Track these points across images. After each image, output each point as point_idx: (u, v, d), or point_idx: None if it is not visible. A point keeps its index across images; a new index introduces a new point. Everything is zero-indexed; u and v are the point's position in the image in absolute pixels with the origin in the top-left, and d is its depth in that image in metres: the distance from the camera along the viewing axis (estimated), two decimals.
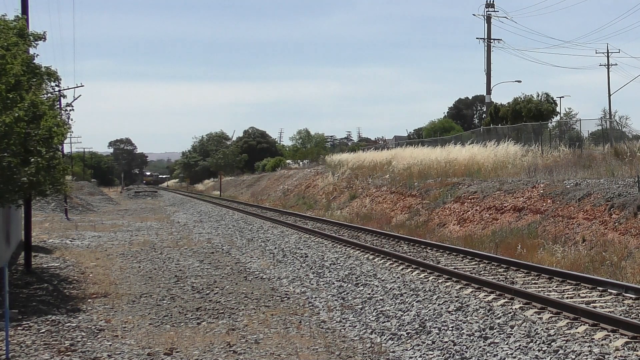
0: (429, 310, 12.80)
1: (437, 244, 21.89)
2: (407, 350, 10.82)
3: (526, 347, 10.14)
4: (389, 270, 17.70)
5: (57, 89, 18.10)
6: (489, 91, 53.32)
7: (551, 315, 12.02)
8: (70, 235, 28.58)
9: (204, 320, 12.79)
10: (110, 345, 11.03)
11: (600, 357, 9.44)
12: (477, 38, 54.43)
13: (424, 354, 10.51)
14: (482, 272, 17.00)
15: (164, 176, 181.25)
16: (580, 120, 38.56)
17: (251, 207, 49.11)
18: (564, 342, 10.14)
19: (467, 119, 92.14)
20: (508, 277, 16.26)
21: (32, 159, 14.33)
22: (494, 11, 54.65)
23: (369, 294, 14.74)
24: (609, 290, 14.00)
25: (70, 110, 20.27)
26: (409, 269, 17.64)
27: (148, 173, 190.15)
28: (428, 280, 15.92)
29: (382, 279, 16.22)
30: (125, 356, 10.40)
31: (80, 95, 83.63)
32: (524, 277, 16.10)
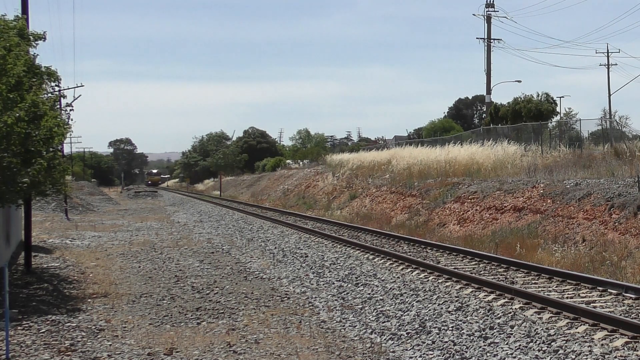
0: (429, 310, 12.81)
1: (437, 244, 21.89)
2: (407, 350, 10.83)
3: (526, 347, 10.14)
4: (389, 270, 17.71)
5: (57, 89, 18.11)
6: (489, 91, 53.32)
7: (551, 315, 12.03)
8: (70, 235, 28.58)
9: (204, 320, 12.79)
10: (110, 345, 11.03)
11: (600, 357, 9.45)
12: (477, 38, 54.47)
13: (424, 354, 10.52)
14: (482, 272, 17.00)
15: (165, 176, 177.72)
16: (580, 120, 38.60)
17: (251, 207, 49.12)
18: (564, 342, 10.15)
19: (467, 119, 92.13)
20: (508, 277, 16.26)
21: (35, 160, 14.32)
22: (494, 11, 54.66)
23: (369, 294, 14.74)
24: (609, 290, 14.00)
25: (70, 110, 20.29)
26: (409, 269, 17.65)
27: (155, 171, 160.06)
28: (428, 280, 15.92)
29: (382, 279, 16.23)
30: (125, 356, 10.40)
31: (80, 95, 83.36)
32: (524, 277, 16.11)
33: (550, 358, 9.64)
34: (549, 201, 22.48)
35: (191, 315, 13.15)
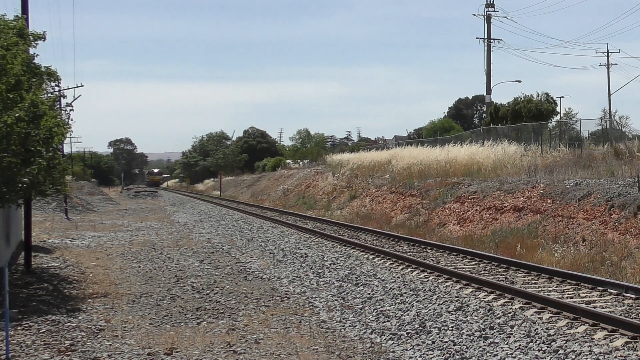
0: (429, 310, 12.81)
1: (437, 244, 21.89)
2: (407, 350, 10.82)
3: (526, 347, 10.14)
4: (389, 270, 17.71)
5: (57, 89, 18.11)
6: (489, 91, 53.30)
7: (551, 315, 12.03)
8: (70, 235, 28.58)
9: (204, 320, 12.79)
10: (110, 345, 11.03)
11: (600, 357, 9.45)
12: (477, 38, 54.46)
13: (424, 354, 10.52)
14: (482, 272, 17.00)
15: (166, 175, 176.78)
16: (580, 120, 38.61)
17: (251, 207, 49.12)
18: (564, 342, 10.15)
19: (467, 119, 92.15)
20: (508, 277, 16.26)
21: (35, 160, 14.31)
22: (494, 11, 54.60)
23: (369, 293, 14.74)
24: (609, 290, 14.00)
25: (70, 110, 20.29)
26: (409, 269, 17.65)
27: (156, 170, 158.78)
28: (428, 280, 15.92)
29: (382, 278, 16.23)
30: (125, 356, 10.40)
31: (80, 95, 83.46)
32: (524, 277, 16.11)
33: (550, 358, 9.63)
34: (549, 201, 22.48)
35: (191, 315, 13.15)
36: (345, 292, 15.13)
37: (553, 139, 37.23)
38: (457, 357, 10.18)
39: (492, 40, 53.54)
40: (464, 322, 11.72)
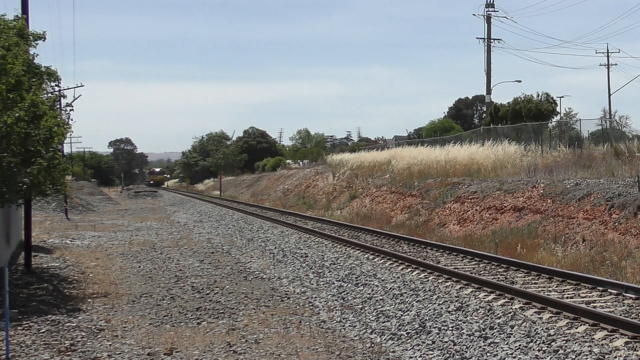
0: (429, 310, 12.81)
1: (437, 244, 21.89)
2: (407, 350, 10.83)
3: (526, 347, 10.14)
4: (389, 270, 17.71)
5: (57, 89, 18.11)
6: (489, 91, 53.29)
7: (551, 315, 12.03)
8: (70, 235, 28.58)
9: (204, 320, 12.80)
10: (110, 345, 11.03)
11: (600, 357, 9.45)
12: (477, 38, 54.47)
13: (424, 354, 10.52)
14: (482, 272, 17.00)
15: (166, 175, 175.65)
16: (580, 120, 38.64)
17: (251, 207, 49.12)
18: (564, 342, 10.15)
19: (467, 119, 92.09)
20: (508, 277, 16.26)
21: (35, 160, 14.31)
22: (494, 11, 54.61)
23: (369, 293, 14.74)
24: (609, 290, 14.00)
25: (70, 110, 20.33)
26: (409, 269, 17.65)
27: (158, 169, 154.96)
28: (428, 280, 15.92)
29: (382, 278, 16.23)
30: (125, 356, 10.40)
31: (80, 95, 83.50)
32: (524, 277, 16.11)
33: (550, 358, 9.64)
34: (549, 201, 22.48)
35: (191, 315, 13.15)
36: (345, 292, 15.13)
37: (553, 139, 37.25)
38: (457, 357, 10.19)
39: (492, 40, 53.55)
40: (464, 322, 11.72)
